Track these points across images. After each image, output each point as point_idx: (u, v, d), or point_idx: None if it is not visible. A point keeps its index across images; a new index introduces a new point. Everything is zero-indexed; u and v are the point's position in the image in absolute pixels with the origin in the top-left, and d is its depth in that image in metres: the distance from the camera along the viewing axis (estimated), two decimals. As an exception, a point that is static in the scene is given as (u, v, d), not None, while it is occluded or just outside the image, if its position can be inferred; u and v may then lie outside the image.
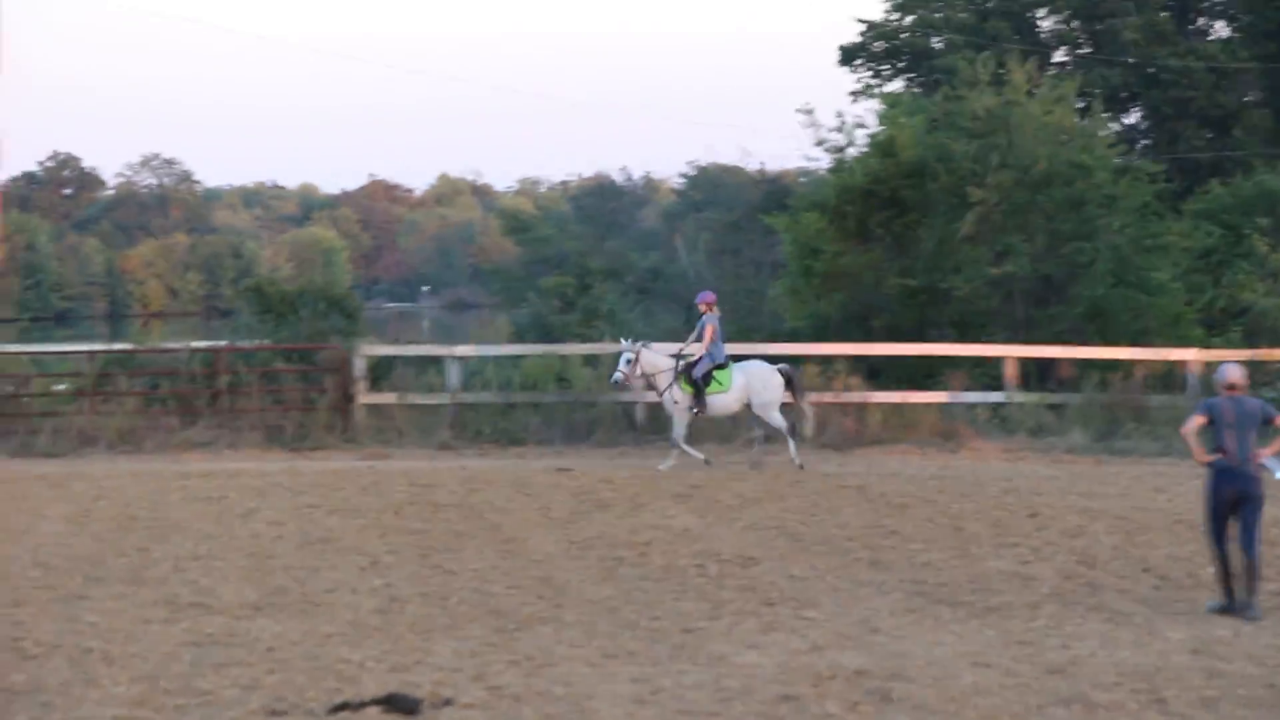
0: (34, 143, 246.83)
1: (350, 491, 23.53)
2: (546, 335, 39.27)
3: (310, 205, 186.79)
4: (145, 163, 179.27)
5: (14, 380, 34.29)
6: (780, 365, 27.59)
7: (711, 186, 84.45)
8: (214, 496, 23.16)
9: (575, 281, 45.36)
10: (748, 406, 27.04)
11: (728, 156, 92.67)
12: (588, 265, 46.64)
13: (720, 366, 26.83)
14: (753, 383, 26.94)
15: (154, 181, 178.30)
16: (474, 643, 13.80)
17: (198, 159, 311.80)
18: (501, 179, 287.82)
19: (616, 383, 27.24)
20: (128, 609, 15.25)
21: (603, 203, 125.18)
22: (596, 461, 27.45)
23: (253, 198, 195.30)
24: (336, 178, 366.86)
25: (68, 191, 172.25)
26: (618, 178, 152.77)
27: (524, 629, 14.42)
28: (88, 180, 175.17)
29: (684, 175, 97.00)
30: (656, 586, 16.51)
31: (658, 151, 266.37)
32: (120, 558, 18.13)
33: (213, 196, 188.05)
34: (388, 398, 31.90)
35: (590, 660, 13.16)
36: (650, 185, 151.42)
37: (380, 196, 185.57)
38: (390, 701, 11.63)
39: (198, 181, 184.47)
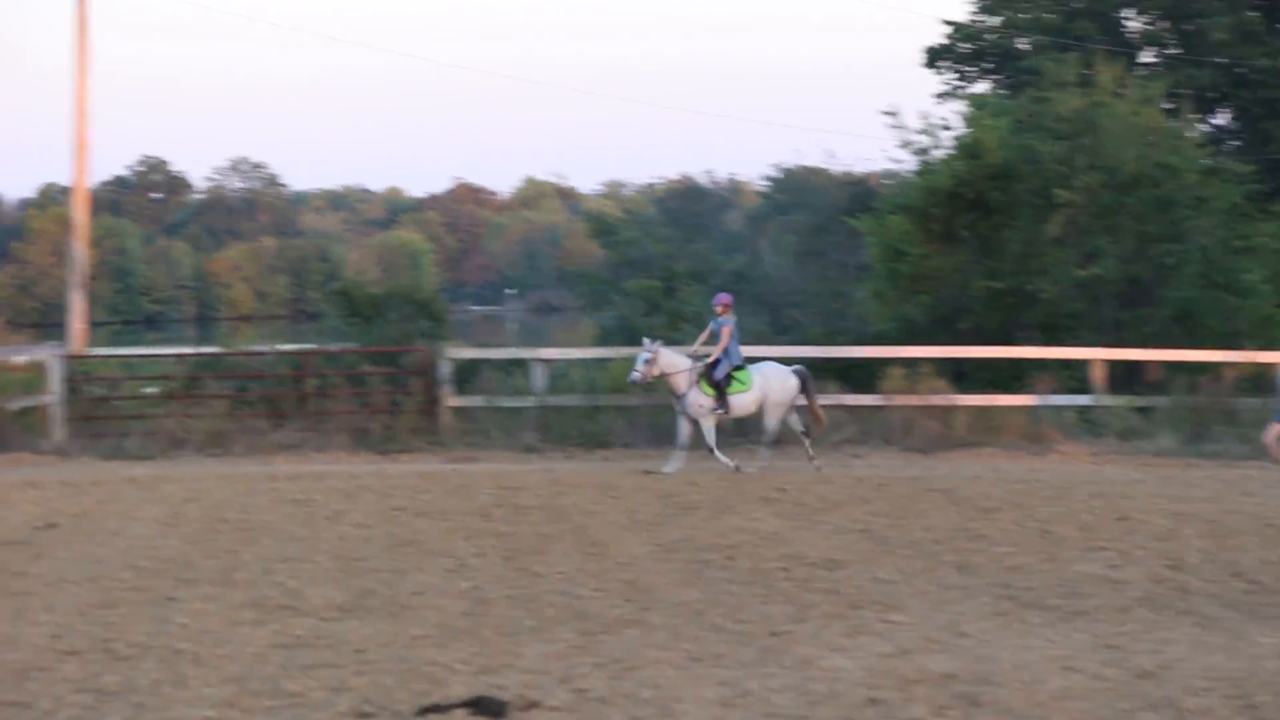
0: (124, 147, 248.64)
1: (437, 494, 23.60)
2: (632, 338, 39.19)
3: (397, 208, 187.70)
4: (234, 166, 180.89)
5: (105, 383, 34.60)
6: (795, 367, 27.61)
7: (796, 189, 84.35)
8: (302, 499, 23.28)
9: (660, 284, 45.34)
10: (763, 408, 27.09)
11: (813, 159, 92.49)
12: (673, 268, 46.61)
13: (738, 368, 26.87)
14: (770, 383, 26.98)
15: (242, 185, 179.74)
16: (561, 645, 13.82)
17: (285, 163, 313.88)
18: (587, 182, 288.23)
19: (634, 382, 27.17)
20: (217, 611, 15.34)
21: (688, 205, 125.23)
22: (682, 464, 27.43)
23: (340, 201, 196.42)
24: (422, 181, 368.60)
25: (157, 195, 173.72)
26: (703, 180, 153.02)
27: (610, 632, 14.43)
28: (177, 184, 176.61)
29: (769, 178, 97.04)
30: (743, 590, 16.49)
31: (743, 154, 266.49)
32: (210, 560, 18.24)
33: (300, 200, 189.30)
34: (474, 401, 32.00)
35: (676, 663, 13.15)
36: (735, 188, 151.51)
37: (466, 200, 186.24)
38: (477, 704, 11.65)
39: (285, 185, 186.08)
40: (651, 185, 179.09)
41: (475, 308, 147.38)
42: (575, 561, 18.06)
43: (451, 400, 31.89)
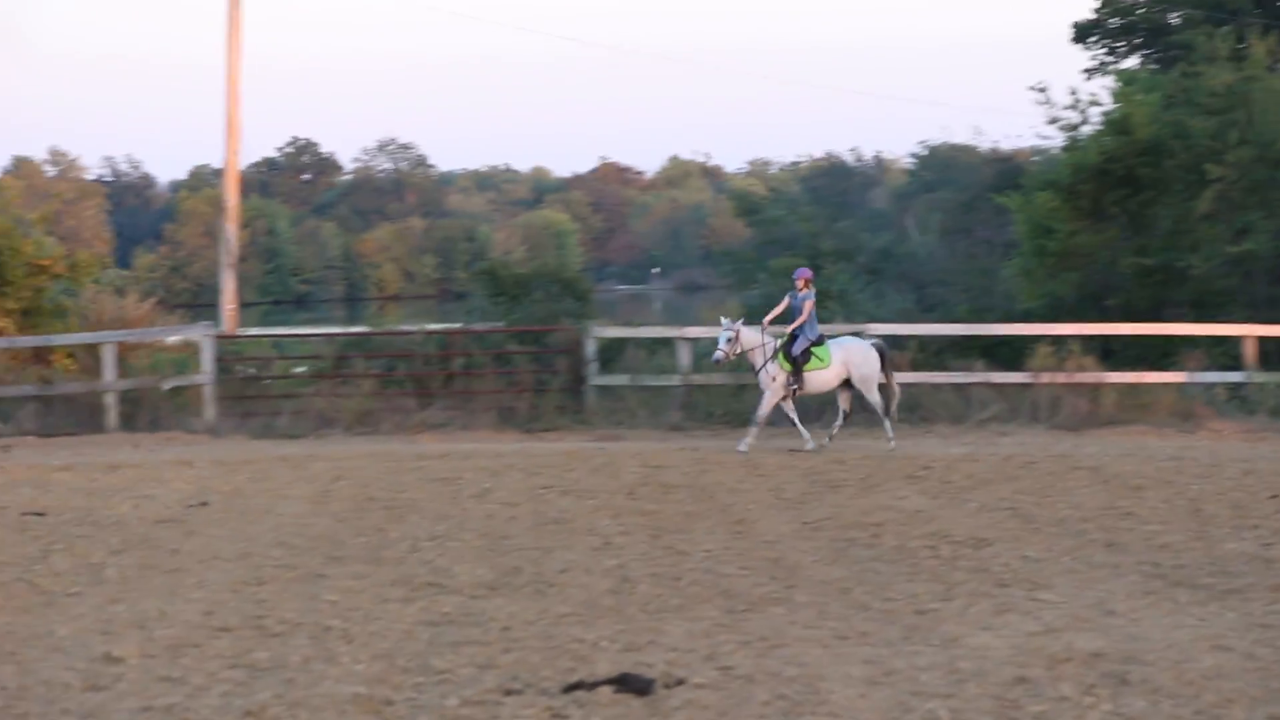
0: (274, 129, 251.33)
1: (582, 472, 23.70)
2: (779, 316, 39.17)
3: (542, 188, 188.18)
4: (381, 147, 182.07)
5: (256, 363, 35.02)
6: (874, 341, 27.47)
7: (943, 166, 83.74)
8: (449, 477, 23.45)
9: (805, 262, 45.23)
10: (845, 383, 26.89)
11: (960, 136, 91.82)
12: (818, 246, 46.41)
13: (817, 343, 26.70)
14: (852, 358, 26.83)
15: (390, 166, 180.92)
16: (706, 623, 13.83)
17: (433, 144, 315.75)
18: (732, 161, 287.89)
19: (717, 361, 27.09)
20: (366, 588, 15.47)
21: (833, 183, 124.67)
22: (826, 441, 27.33)
23: (486, 181, 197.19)
24: (568, 161, 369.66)
25: (306, 177, 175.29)
26: (848, 158, 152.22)
27: (755, 610, 14.42)
28: (326, 165, 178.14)
29: (915, 155, 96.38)
30: (889, 568, 16.43)
31: (889, 131, 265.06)
32: (358, 538, 18.41)
33: (447, 181, 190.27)
34: (619, 379, 32.07)
35: (822, 641, 13.13)
36: (881, 165, 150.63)
37: (611, 179, 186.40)
38: (623, 681, 11.68)
39: (432, 166, 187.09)
40: (797, 163, 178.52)
41: (620, 287, 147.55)
42: (720, 539, 18.07)
43: (597, 379, 31.98)
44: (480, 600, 14.86)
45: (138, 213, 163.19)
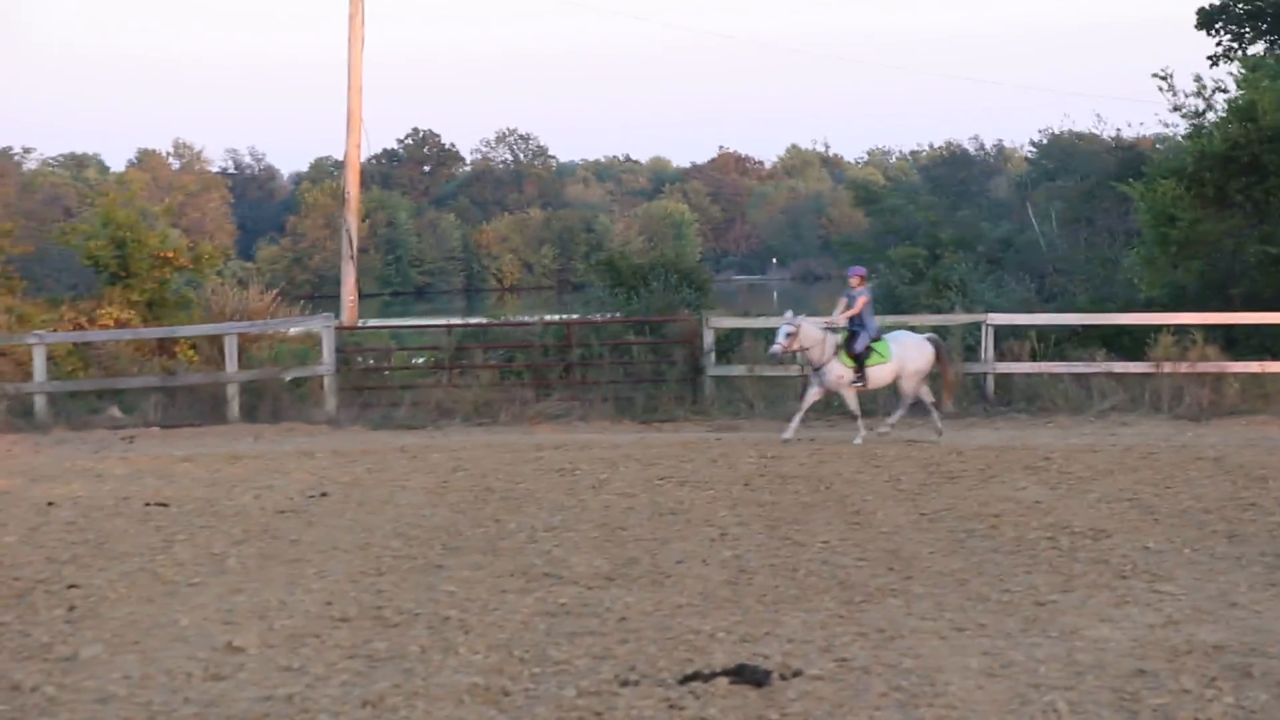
0: (395, 120, 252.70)
1: (699, 463, 23.70)
2: (896, 306, 38.99)
3: (661, 178, 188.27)
4: (501, 138, 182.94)
5: (375, 354, 35.23)
6: (929, 335, 27.28)
7: (1064, 154, 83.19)
8: (566, 468, 23.52)
9: (925, 252, 45.03)
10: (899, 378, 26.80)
11: (1082, 124, 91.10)
12: (938, 236, 46.26)
13: (875, 339, 26.57)
14: (907, 352, 26.68)
15: (510, 157, 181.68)
16: (822, 614, 13.80)
17: (552, 134, 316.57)
18: (851, 150, 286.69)
19: (775, 355, 27.01)
20: (484, 578, 15.54)
21: (953, 172, 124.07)
22: (946, 433, 27.21)
23: (605, 172, 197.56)
24: (687, 151, 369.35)
25: (427, 168, 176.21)
26: (969, 147, 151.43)
27: (872, 601, 14.38)
28: (446, 156, 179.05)
29: (1036, 144, 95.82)
30: (1007, 559, 16.33)
31: (1010, 120, 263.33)
32: (477, 528, 18.50)
33: (566, 171, 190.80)
34: (737, 369, 32.05)
35: (940, 633, 13.07)
36: (1002, 154, 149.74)
37: (730, 169, 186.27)
38: (740, 672, 11.68)
39: (552, 157, 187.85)
40: (916, 152, 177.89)
41: (739, 277, 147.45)
42: (837, 530, 18.03)
43: (714, 369, 31.97)
44: (597, 591, 14.89)
45: (260, 205, 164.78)
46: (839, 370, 26.50)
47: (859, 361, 26.50)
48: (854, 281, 26.97)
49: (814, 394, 26.82)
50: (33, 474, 23.58)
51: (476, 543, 17.54)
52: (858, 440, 26.20)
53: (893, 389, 27.64)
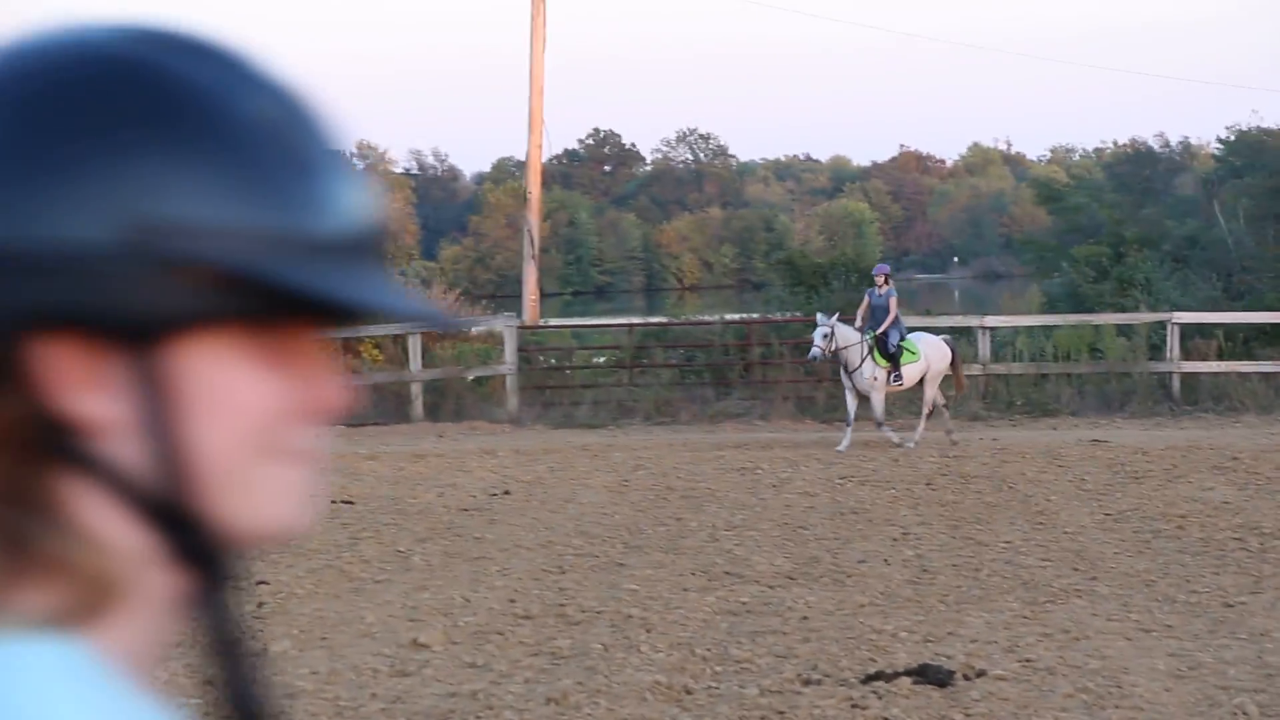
0: (576, 121, 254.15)
1: (881, 462, 23.63)
2: (1079, 305, 38.55)
3: (841, 177, 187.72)
4: (681, 138, 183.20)
5: (557, 353, 35.44)
6: (944, 336, 26.82)
7: (1253, 151, 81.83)
8: (747, 467, 23.53)
9: (1109, 250, 44.48)
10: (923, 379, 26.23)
11: (1270, 120, 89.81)
12: (1122, 234, 45.66)
13: (902, 338, 26.09)
14: (932, 353, 26.16)
15: (690, 156, 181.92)
16: (1006, 615, 13.70)
17: (732, 133, 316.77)
18: (1033, 148, 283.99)
19: (814, 358, 26.39)
20: (665, 577, 15.59)
21: (1137, 170, 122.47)
22: (1131, 433, 26.93)
23: (785, 171, 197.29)
24: (868, 149, 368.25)
25: (608, 168, 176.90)
26: (1154, 144, 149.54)
27: (1056, 601, 14.26)
28: (627, 157, 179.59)
29: (1224, 140, 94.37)
30: (1194, 560, 16.12)
31: (1196, 116, 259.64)
32: (658, 526, 18.56)
33: (746, 170, 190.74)
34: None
35: (1125, 634, 12.94)
36: (1188, 151, 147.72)
37: (911, 167, 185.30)
38: (923, 673, 11.63)
39: (732, 156, 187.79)
40: (1100, 150, 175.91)
41: (920, 276, 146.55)
42: (1021, 530, 17.90)
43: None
44: (779, 590, 14.89)
45: (443, 205, 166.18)
46: (874, 371, 26.02)
47: (894, 361, 26.09)
48: (879, 280, 26.67)
49: (854, 400, 26.30)
50: (221, 472, 23.92)
51: (658, 541, 17.60)
52: (913, 441, 25.77)
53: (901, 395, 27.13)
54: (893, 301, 26.34)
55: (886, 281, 26.69)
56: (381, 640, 13.13)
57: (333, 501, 20.54)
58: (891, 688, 11.36)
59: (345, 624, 13.76)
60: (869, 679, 11.59)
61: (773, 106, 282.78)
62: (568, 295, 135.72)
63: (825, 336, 25.91)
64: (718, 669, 12.03)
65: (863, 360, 26.05)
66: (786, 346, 33.00)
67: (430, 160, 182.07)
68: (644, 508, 20.00)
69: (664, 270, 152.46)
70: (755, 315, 39.43)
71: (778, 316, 36.51)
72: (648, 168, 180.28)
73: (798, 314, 35.96)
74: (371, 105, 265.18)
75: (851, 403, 26.30)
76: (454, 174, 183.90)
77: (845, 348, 26.09)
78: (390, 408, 31.92)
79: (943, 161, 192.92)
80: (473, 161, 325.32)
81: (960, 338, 33.16)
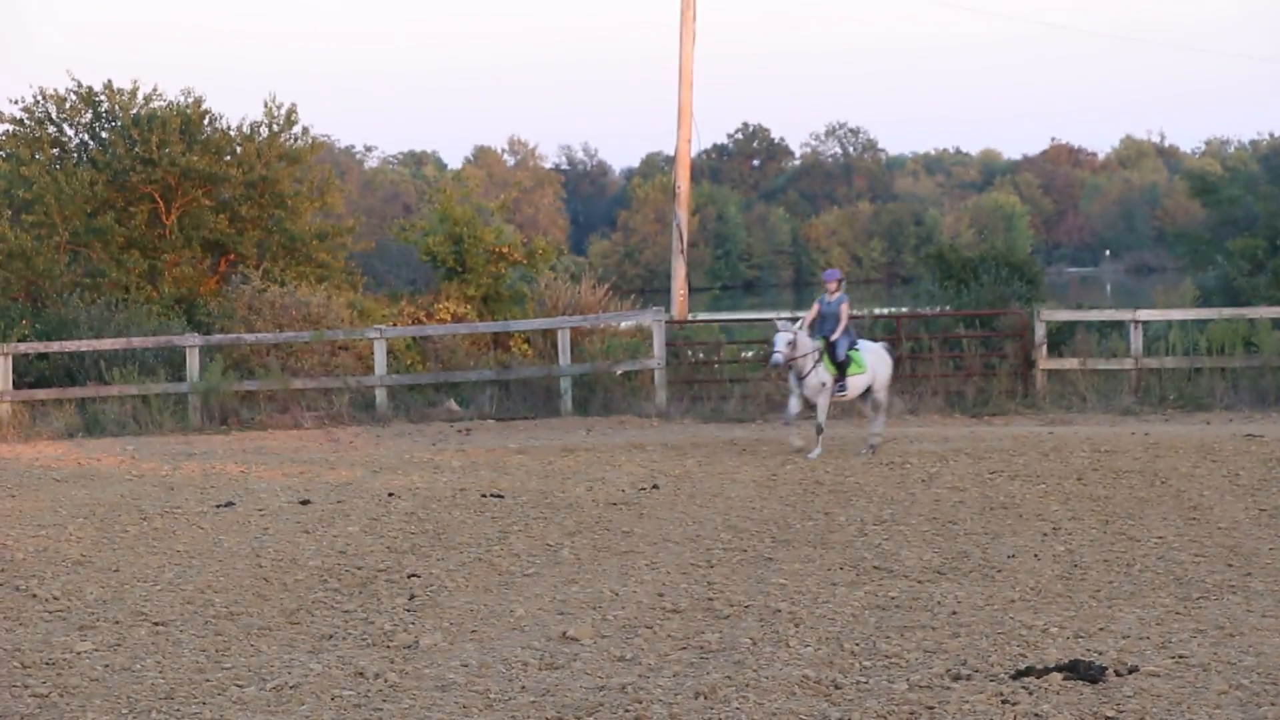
0: (725, 115, 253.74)
1: (1031, 457, 23.44)
2: (1233, 299, 38.05)
3: (992, 171, 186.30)
4: (831, 132, 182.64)
5: (705, 347, 35.43)
6: (883, 344, 26.17)
7: None
8: (896, 461, 23.43)
9: (1265, 243, 43.89)
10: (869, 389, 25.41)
11: None
12: (1277, 226, 45.05)
13: (852, 348, 25.25)
14: (878, 363, 25.37)
15: (839, 151, 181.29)
16: (1158, 610, 13.57)
17: (881, 127, 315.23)
18: (1187, 140, 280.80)
19: (777, 365, 25.16)
20: (814, 571, 15.57)
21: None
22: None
23: (935, 164, 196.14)
24: (1018, 142, 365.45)
25: (756, 162, 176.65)
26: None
27: (1210, 597, 14.10)
28: (776, 151, 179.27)
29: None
30: (1351, 557, 15.89)
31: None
32: (806, 521, 18.53)
33: (895, 164, 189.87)
34: (1069, 363, 31.63)
35: (1281, 631, 12.79)
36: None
37: (1062, 160, 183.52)
38: (1074, 669, 11.54)
39: (881, 150, 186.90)
40: (1256, 142, 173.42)
41: (1071, 269, 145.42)
42: (1173, 526, 17.70)
43: (1046, 363, 31.58)
44: (928, 585, 14.84)
45: (592, 200, 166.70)
46: (823, 377, 25.14)
47: (842, 370, 25.30)
48: (831, 286, 25.61)
49: (797, 403, 25.30)
50: (374, 465, 24.17)
51: (806, 535, 17.58)
52: (815, 454, 24.80)
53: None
54: (844, 309, 25.34)
55: (839, 287, 25.65)
56: (531, 633, 13.21)
57: (483, 495, 20.67)
58: (1042, 683, 11.28)
59: (495, 617, 13.85)
60: (1019, 674, 11.52)
61: (922, 99, 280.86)
62: (716, 290, 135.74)
63: (789, 343, 24.91)
64: (866, 664, 12.00)
65: (814, 367, 25.12)
66: (936, 341, 32.82)
67: (580, 155, 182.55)
68: (792, 502, 19.98)
69: (812, 264, 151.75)
70: (904, 310, 39.23)
71: (927, 311, 36.30)
72: (796, 162, 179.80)
73: (947, 308, 35.77)
74: (522, 101, 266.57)
75: (795, 405, 25.35)
76: (603, 169, 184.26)
77: (802, 356, 25.13)
78: (539, 402, 32.10)
79: (1094, 154, 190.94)
80: (622, 156, 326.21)
81: (1112, 331, 32.88)
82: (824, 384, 25.12)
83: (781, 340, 24.85)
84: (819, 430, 25.21)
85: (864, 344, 25.94)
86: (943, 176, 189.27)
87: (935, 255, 40.80)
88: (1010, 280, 37.16)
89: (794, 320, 26.09)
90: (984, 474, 21.92)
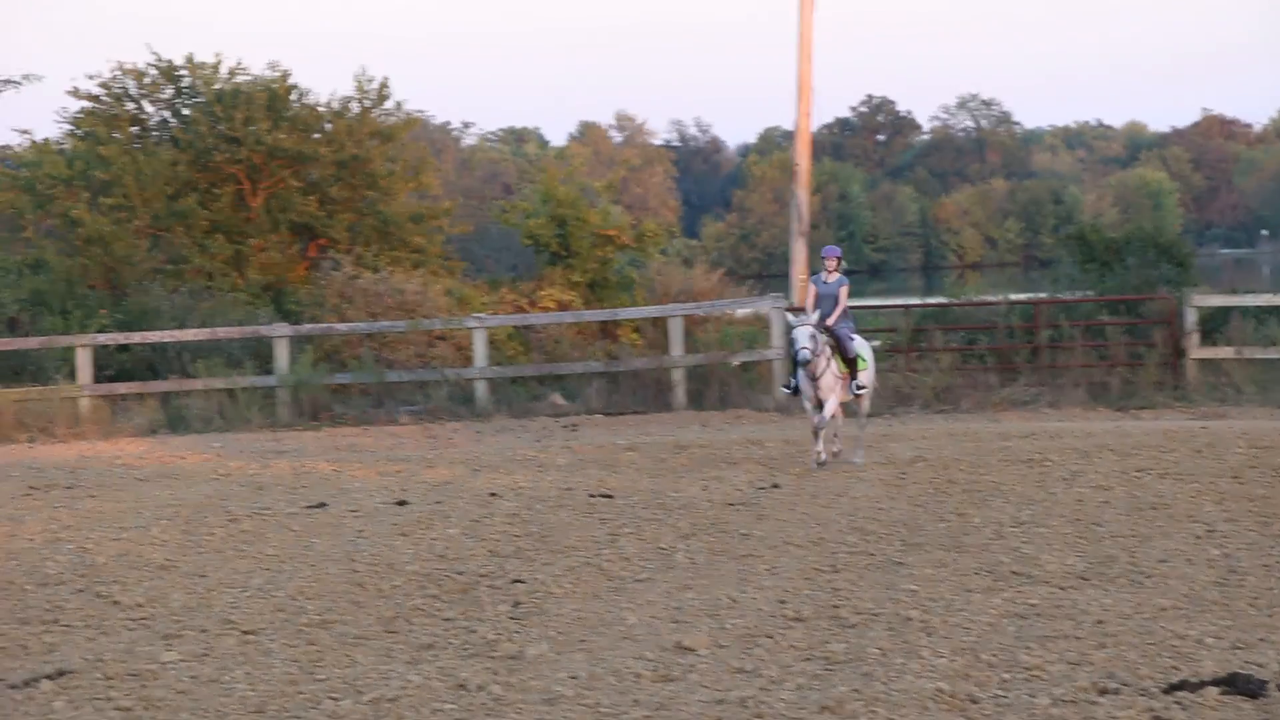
0: (848, 87, 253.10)
1: (1182, 454, 23.26)
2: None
3: (1137, 144, 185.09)
4: (962, 104, 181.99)
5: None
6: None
7: None
8: (1035, 458, 23.30)
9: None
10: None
11: None
12: None
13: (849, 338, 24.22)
14: (871, 359, 24.50)
15: (971, 124, 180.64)
16: (1324, 621, 13.45)
17: (1017, 98, 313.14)
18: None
19: (806, 361, 23.68)
20: (947, 577, 15.50)
21: None
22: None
23: (1075, 138, 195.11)
24: (1166, 114, 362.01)
25: (881, 137, 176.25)
26: None
27: (1380, 607, 13.96)
28: (902, 125, 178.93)
29: None
30: None
31: None
32: (938, 522, 18.45)
33: (1032, 138, 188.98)
34: (1223, 352, 31.39)
35: None
36: None
37: (1215, 133, 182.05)
38: (1232, 682, 11.43)
39: (1017, 123, 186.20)
40: None
41: (1224, 250, 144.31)
42: (1340, 528, 17.54)
43: (1197, 351, 31.35)
44: (1071, 591, 14.74)
45: (706, 179, 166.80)
46: (839, 373, 24.01)
47: (852, 366, 24.20)
48: (829, 265, 24.46)
49: (813, 406, 24.13)
50: (474, 463, 24.27)
51: (938, 538, 17.51)
52: (822, 460, 23.77)
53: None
54: (843, 291, 24.27)
55: (838, 266, 24.57)
56: (644, 643, 13.22)
57: (591, 495, 20.72)
58: (1197, 698, 11.19)
59: (605, 625, 13.87)
60: (1172, 688, 11.42)
61: (1061, 69, 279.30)
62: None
63: (812, 337, 23.72)
64: (1005, 676, 11.93)
65: (827, 365, 23.95)
66: (1078, 329, 32.68)
67: (692, 131, 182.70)
68: (923, 502, 19.91)
69: (943, 247, 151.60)
70: (1043, 295, 39.06)
71: (1068, 296, 36.13)
72: (925, 136, 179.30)
73: (1090, 294, 35.58)
74: (630, 73, 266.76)
75: (811, 408, 24.11)
76: (717, 146, 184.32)
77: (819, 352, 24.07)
78: (650, 395, 32.13)
79: (1250, 126, 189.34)
80: (737, 132, 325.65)
81: (1270, 318, 32.58)
82: (839, 377, 24.09)
83: (804, 334, 23.67)
84: (817, 431, 24.00)
85: (860, 340, 24.98)
86: (1083, 151, 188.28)
87: (1076, 236, 40.60)
88: (1158, 263, 36.95)
89: (794, 311, 25.71)
90: (1131, 472, 21.77)
